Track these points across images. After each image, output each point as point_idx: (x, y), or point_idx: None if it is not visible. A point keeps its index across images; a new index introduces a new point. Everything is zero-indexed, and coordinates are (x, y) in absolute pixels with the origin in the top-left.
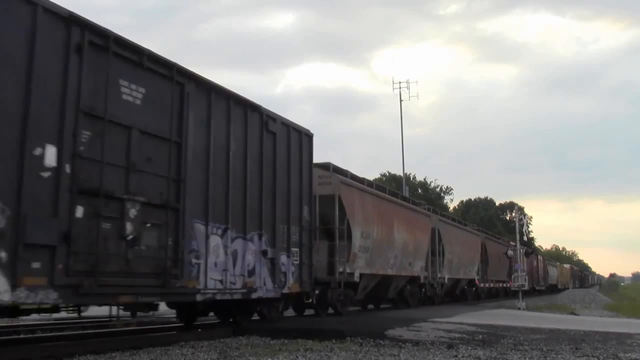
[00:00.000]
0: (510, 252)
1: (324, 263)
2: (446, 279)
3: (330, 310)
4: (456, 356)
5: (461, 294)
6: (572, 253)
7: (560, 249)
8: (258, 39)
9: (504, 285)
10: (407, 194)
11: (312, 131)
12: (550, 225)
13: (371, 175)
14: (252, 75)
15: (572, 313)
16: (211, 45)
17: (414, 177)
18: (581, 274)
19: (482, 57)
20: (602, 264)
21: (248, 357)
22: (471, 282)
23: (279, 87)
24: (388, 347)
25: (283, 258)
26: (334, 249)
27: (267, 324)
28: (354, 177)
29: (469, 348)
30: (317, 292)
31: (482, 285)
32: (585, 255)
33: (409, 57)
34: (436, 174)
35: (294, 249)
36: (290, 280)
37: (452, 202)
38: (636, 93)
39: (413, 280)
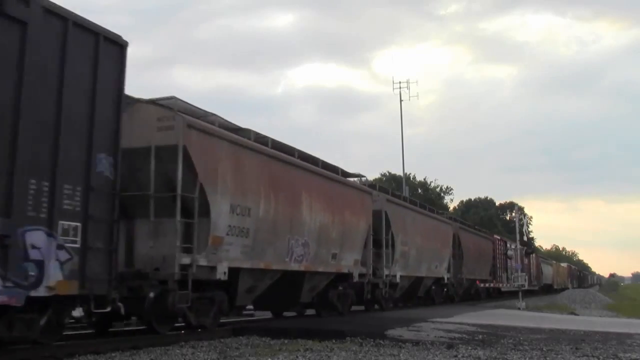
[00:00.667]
0: (510, 252)
1: (173, 252)
2: (398, 277)
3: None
4: (456, 356)
5: (426, 296)
6: (572, 253)
7: (560, 249)
8: (259, 39)
9: (487, 285)
10: (407, 194)
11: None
12: (550, 225)
13: (371, 175)
14: (253, 75)
15: (572, 313)
16: (212, 46)
17: (414, 177)
18: (580, 274)
19: (482, 57)
20: (602, 264)
21: (248, 357)
22: (440, 281)
23: (280, 87)
24: (388, 347)
25: (35, 236)
26: (190, 230)
27: (266, 324)
28: (227, 126)
29: (469, 348)
30: (152, 295)
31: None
32: (585, 255)
33: (409, 57)
34: (436, 174)
35: (69, 224)
36: (55, 275)
37: (452, 202)
38: (636, 93)
39: (343, 278)
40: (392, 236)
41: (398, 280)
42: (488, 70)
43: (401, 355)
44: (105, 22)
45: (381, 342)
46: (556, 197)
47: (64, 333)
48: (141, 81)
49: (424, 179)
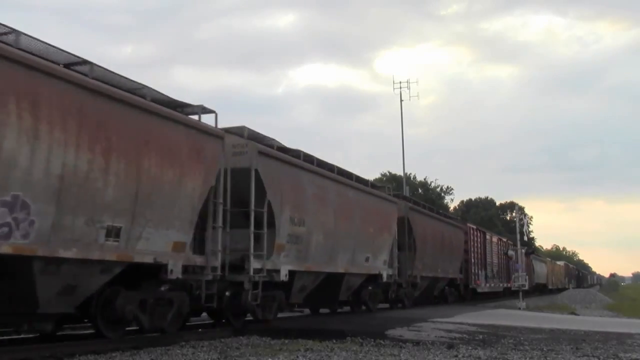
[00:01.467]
0: (511, 252)
1: None
2: (285, 273)
3: None
4: (457, 356)
5: (354, 299)
6: (573, 253)
7: (561, 249)
8: (260, 39)
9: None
10: (407, 194)
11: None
12: (550, 225)
13: (371, 175)
14: (254, 75)
15: (573, 313)
16: (213, 46)
17: (414, 177)
18: (579, 273)
19: (483, 57)
20: (602, 264)
21: (249, 357)
22: (376, 279)
23: (281, 88)
24: (388, 347)
25: None
26: None
27: (267, 324)
28: None
29: (470, 348)
30: None
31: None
32: (586, 255)
33: (410, 57)
34: (436, 174)
35: None
36: None
37: (453, 202)
38: (636, 93)
39: (153, 274)
40: (270, 208)
41: (284, 277)
42: (489, 71)
43: (402, 355)
44: (106, 22)
45: (382, 342)
46: (556, 197)
47: (64, 333)
48: (141, 81)
49: (425, 179)
